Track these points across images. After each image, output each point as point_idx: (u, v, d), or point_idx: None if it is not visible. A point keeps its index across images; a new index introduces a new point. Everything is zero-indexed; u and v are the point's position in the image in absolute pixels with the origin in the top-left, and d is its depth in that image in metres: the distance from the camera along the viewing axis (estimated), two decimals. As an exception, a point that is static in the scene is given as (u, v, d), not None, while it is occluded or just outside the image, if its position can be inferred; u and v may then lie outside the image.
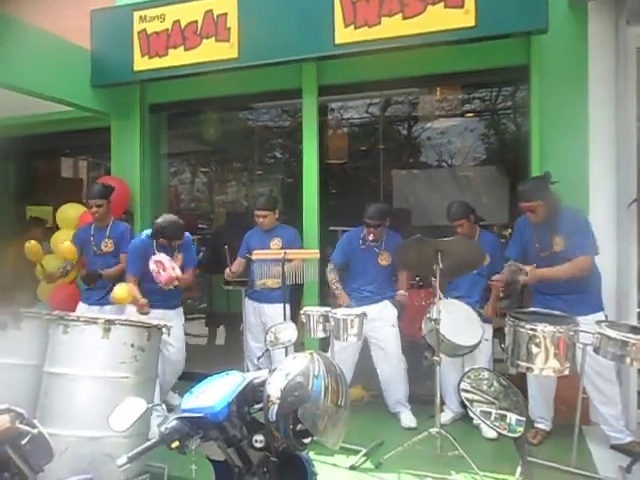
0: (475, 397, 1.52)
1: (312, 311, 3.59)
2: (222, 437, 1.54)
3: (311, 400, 1.44)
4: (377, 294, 4.04)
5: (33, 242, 3.99)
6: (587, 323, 3.16)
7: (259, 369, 1.90)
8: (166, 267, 3.59)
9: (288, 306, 4.01)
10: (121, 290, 3.50)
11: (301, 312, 3.65)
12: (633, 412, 3.69)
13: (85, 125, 5.44)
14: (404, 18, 3.79)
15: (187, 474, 1.94)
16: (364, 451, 3.33)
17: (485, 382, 1.53)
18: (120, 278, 4.00)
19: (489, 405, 1.49)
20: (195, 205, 7.57)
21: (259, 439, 1.53)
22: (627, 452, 3.24)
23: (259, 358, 3.21)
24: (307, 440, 1.51)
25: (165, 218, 3.80)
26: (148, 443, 1.53)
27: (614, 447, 3.35)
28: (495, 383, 1.52)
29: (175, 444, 1.48)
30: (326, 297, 4.57)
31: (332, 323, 3.47)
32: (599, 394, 3.34)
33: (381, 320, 3.96)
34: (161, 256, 3.67)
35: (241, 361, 4.22)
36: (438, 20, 3.73)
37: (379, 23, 3.86)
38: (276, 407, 1.46)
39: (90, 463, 2.63)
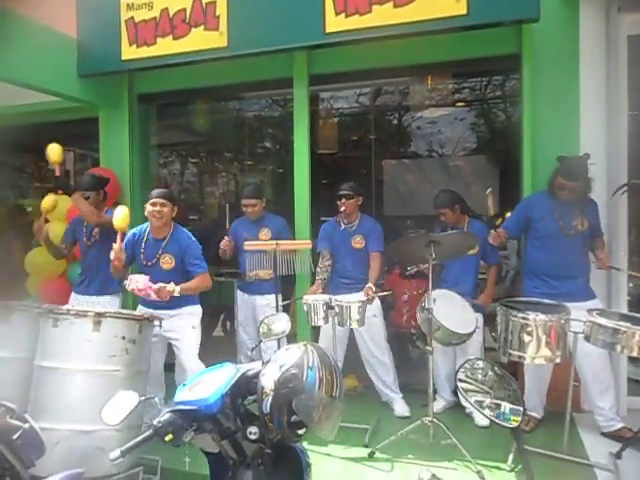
0: (470, 387, 1.53)
1: (313, 299, 3.59)
2: (216, 429, 1.53)
3: (305, 391, 1.44)
4: (356, 281, 3.98)
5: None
6: (590, 307, 3.19)
7: (252, 361, 1.89)
8: (140, 287, 3.25)
9: (280, 297, 4.00)
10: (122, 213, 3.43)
11: (302, 301, 3.63)
12: (623, 399, 3.73)
13: (72, 115, 5.36)
14: (395, 6, 3.76)
15: (181, 466, 1.94)
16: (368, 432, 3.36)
17: (480, 372, 1.53)
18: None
19: (484, 395, 1.49)
20: (185, 196, 7.52)
21: (253, 431, 1.53)
22: (618, 438, 3.28)
23: (252, 350, 3.20)
24: (301, 431, 1.51)
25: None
26: (141, 436, 1.52)
27: (605, 434, 3.39)
28: (490, 372, 1.53)
29: (169, 437, 1.47)
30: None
31: (336, 310, 3.48)
32: (598, 382, 3.36)
33: None
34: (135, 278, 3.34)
35: (234, 353, 4.22)
36: (429, 8, 3.70)
37: (370, 11, 3.82)
38: (270, 399, 1.45)
39: (82, 457, 2.61)
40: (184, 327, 3.49)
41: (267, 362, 1.55)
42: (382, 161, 6.10)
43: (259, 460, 1.56)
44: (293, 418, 1.46)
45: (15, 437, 2.02)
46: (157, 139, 5.63)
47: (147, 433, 1.51)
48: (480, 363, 1.57)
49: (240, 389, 1.59)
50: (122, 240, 3.47)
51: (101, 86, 4.88)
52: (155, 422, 1.49)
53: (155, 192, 3.51)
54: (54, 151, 3.94)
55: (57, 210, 4.74)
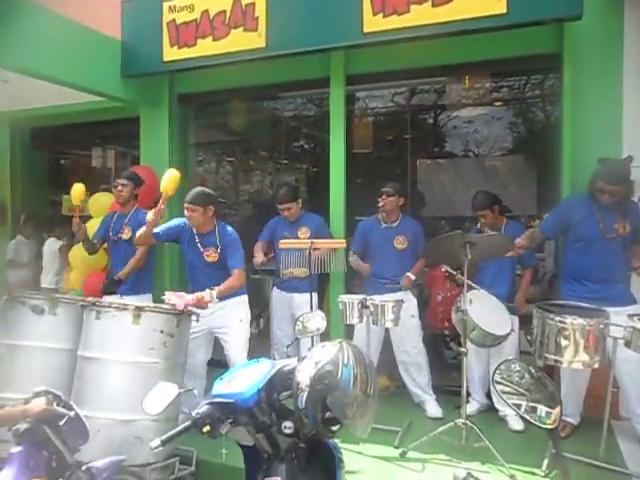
0: (506, 389, 1.52)
1: (349, 298, 3.61)
2: (252, 423, 1.57)
3: (340, 388, 1.46)
4: (394, 282, 3.99)
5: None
6: (631, 313, 3.11)
7: (288, 357, 1.92)
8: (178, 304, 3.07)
9: (315, 295, 4.03)
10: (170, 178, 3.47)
11: (338, 300, 3.66)
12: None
13: (114, 115, 5.53)
14: (433, 5, 3.74)
15: (215, 458, 1.99)
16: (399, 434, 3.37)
17: (516, 374, 1.52)
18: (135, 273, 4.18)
19: (520, 397, 1.49)
20: (221, 194, 7.63)
21: (288, 425, 1.56)
22: (657, 447, 3.20)
23: (288, 347, 3.23)
24: (335, 427, 1.53)
25: None
26: (180, 427, 1.57)
27: (644, 442, 3.31)
28: (526, 375, 1.51)
29: (206, 429, 1.52)
30: (352, 287, 4.58)
31: (371, 309, 3.49)
32: (638, 389, 3.26)
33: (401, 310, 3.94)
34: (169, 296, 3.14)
35: (267, 350, 4.26)
36: (468, 7, 3.66)
37: (408, 11, 3.81)
38: (305, 394, 1.48)
39: (121, 445, 2.71)
40: (231, 320, 3.54)
41: (303, 358, 1.58)
42: (417, 161, 6.07)
43: (293, 454, 1.59)
44: (327, 414, 1.48)
45: (61, 423, 2.12)
46: (195, 138, 5.73)
47: (186, 424, 1.56)
48: (516, 365, 1.55)
49: (276, 384, 1.63)
50: (164, 202, 3.47)
51: (143, 86, 5.01)
52: (194, 413, 1.55)
53: (188, 195, 3.50)
54: (76, 191, 4.15)
55: (99, 206, 4.89)
